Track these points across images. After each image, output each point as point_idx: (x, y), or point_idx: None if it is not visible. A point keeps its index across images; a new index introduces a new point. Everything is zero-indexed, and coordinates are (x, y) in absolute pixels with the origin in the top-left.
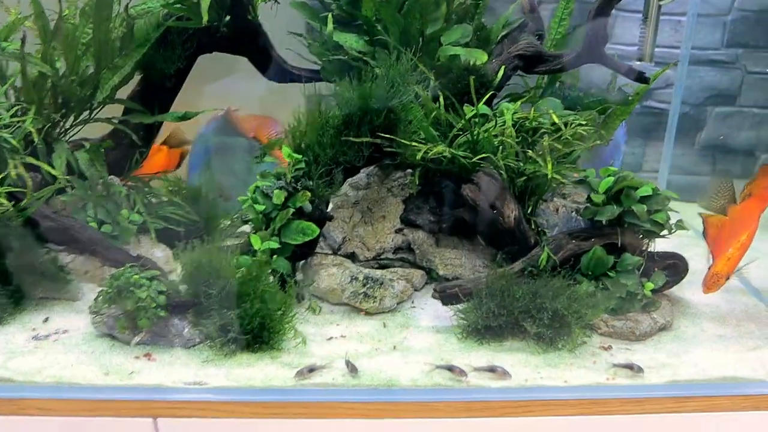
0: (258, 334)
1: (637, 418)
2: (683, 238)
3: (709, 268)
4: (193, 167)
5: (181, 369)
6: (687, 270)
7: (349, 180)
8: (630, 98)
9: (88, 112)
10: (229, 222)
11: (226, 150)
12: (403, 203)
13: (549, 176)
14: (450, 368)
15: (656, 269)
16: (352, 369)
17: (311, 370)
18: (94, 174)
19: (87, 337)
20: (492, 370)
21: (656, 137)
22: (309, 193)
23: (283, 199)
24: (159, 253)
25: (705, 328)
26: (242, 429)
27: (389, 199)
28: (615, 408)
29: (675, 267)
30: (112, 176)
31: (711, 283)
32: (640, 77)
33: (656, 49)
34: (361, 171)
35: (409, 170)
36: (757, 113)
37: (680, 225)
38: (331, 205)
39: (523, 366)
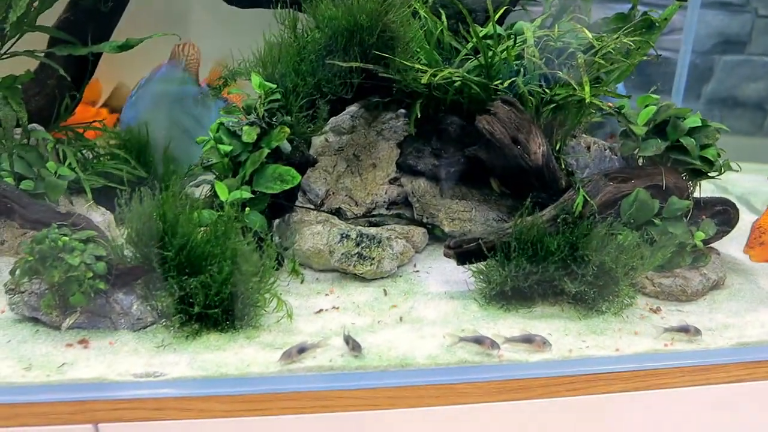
0: (229, 308)
1: (702, 390)
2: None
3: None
4: (128, 114)
5: (129, 358)
6: (738, 218)
7: (330, 122)
8: (657, 22)
9: None
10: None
11: (174, 102)
12: (398, 147)
13: (587, 101)
14: (478, 340)
15: (704, 217)
16: (355, 346)
17: (301, 350)
18: (9, 115)
19: (3, 323)
20: (528, 340)
21: (660, 90)
22: (288, 130)
23: (255, 138)
24: (98, 218)
25: (762, 285)
26: None
27: (380, 144)
28: (676, 379)
29: (725, 214)
30: (34, 125)
31: (753, 240)
32: None
33: None
34: (344, 112)
35: (402, 110)
36: None
37: (728, 165)
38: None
39: (563, 334)
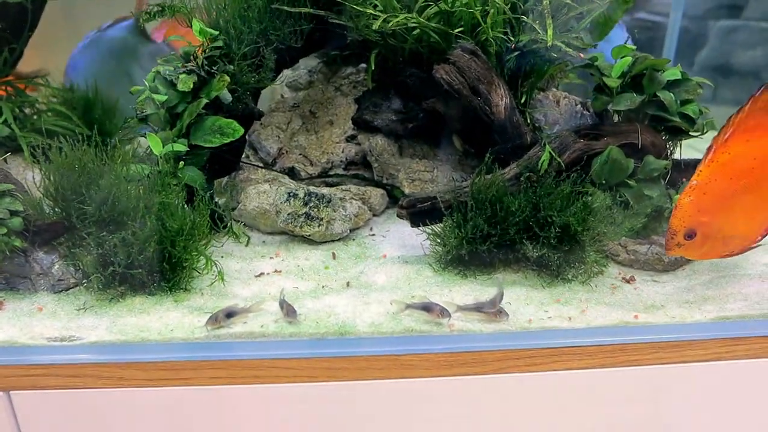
0: (156, 269)
1: (676, 368)
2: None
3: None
4: (74, 69)
5: (46, 320)
6: None
7: (286, 78)
8: None
9: None
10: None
11: (127, 57)
12: (356, 103)
13: (549, 43)
14: (426, 307)
15: (684, 180)
16: (289, 311)
17: (230, 314)
18: None
19: None
20: (482, 308)
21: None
22: (228, 79)
23: (191, 86)
24: (37, 177)
25: (748, 255)
26: (131, 403)
27: (338, 100)
28: (648, 356)
29: None
30: None
31: (669, 242)
32: None
33: None
34: (302, 68)
35: (364, 65)
36: (766, 28)
37: (711, 123)
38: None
39: (524, 303)
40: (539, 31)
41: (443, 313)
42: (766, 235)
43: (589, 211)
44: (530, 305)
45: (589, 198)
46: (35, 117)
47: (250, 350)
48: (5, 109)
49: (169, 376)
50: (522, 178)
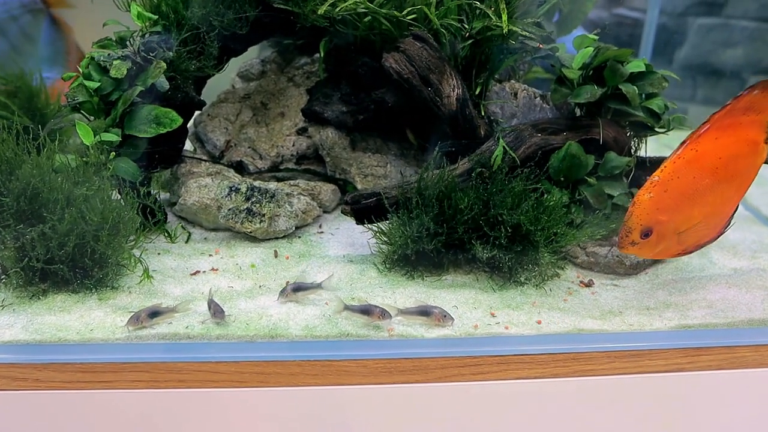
0: (79, 265)
1: (632, 380)
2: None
3: None
4: None
5: None
6: None
7: (239, 68)
8: None
9: None
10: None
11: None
12: (308, 94)
13: (504, 30)
14: (365, 310)
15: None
16: (217, 311)
17: (153, 314)
18: None
19: None
20: (425, 312)
21: None
22: (164, 65)
23: (124, 73)
24: None
25: (714, 260)
26: (48, 407)
27: (290, 91)
28: (603, 366)
29: None
30: None
31: (623, 239)
32: None
33: None
34: (255, 57)
35: (318, 55)
36: (747, 26)
37: (679, 119)
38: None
39: (472, 307)
40: (493, 17)
41: (384, 314)
42: (720, 236)
43: (542, 210)
44: (478, 309)
45: (545, 196)
46: None
47: (173, 352)
48: None
49: (89, 379)
50: (473, 174)
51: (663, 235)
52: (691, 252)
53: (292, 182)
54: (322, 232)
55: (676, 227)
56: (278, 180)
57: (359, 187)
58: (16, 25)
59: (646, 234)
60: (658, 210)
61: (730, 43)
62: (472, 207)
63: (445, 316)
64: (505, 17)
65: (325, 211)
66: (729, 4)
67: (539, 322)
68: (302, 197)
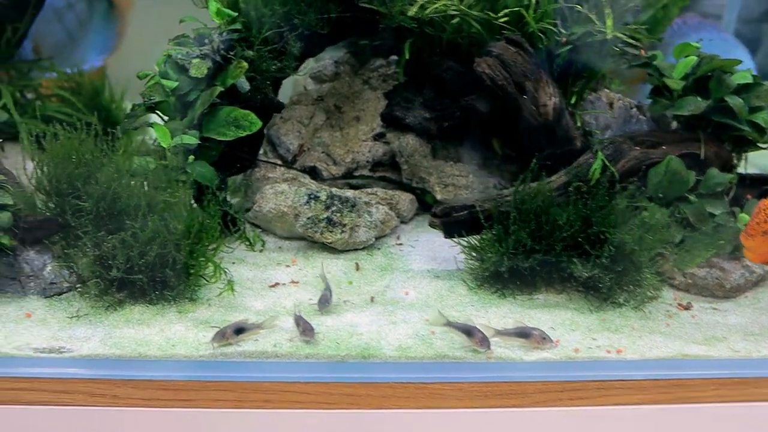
0: (159, 276)
1: (736, 408)
2: None
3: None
4: None
5: (34, 329)
6: None
7: (311, 69)
8: None
9: None
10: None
11: None
12: (386, 98)
13: (608, 35)
14: (468, 331)
15: (750, 196)
16: (306, 329)
17: (239, 330)
18: None
19: None
20: (524, 334)
21: None
22: (246, 65)
23: (205, 72)
24: None
25: None
26: (126, 424)
27: (366, 94)
28: (708, 393)
29: None
30: None
31: (753, 226)
32: None
33: None
34: (328, 58)
35: (395, 57)
36: None
37: None
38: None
39: (569, 329)
40: (596, 22)
41: (484, 342)
42: None
43: (647, 229)
44: (576, 331)
45: (643, 213)
46: (39, 102)
47: (261, 371)
48: (5, 93)
49: (169, 397)
50: (570, 188)
51: None
52: None
53: (369, 190)
54: (401, 244)
55: None
56: (352, 187)
57: (438, 197)
58: (72, 12)
59: None
60: None
61: None
62: (572, 223)
63: (544, 338)
64: (609, 22)
65: (402, 222)
66: None
67: (619, 351)
68: (381, 207)
